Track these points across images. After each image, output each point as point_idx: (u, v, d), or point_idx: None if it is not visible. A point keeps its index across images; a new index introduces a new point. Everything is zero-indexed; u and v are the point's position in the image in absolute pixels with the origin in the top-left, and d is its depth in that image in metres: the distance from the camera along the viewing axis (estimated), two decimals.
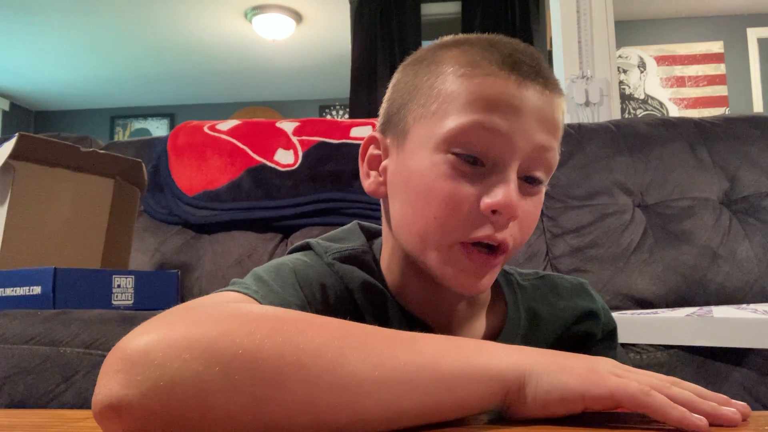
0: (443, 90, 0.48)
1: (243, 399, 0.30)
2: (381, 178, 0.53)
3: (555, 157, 0.49)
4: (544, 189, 0.50)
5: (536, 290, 0.58)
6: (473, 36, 0.52)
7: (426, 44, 0.55)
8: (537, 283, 0.59)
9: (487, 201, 0.45)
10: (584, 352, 0.40)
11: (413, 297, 0.53)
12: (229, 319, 0.34)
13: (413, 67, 0.53)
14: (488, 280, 0.48)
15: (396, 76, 0.55)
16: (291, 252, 0.55)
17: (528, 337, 0.55)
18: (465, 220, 0.46)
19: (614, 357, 0.57)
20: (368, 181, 0.53)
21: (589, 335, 0.58)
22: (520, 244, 0.49)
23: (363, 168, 0.54)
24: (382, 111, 0.55)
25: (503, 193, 0.45)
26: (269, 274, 0.48)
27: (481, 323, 0.55)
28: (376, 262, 0.54)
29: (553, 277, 0.60)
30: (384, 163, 0.53)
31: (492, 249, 0.47)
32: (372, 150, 0.54)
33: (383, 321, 0.50)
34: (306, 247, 0.55)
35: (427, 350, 0.36)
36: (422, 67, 0.51)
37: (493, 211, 0.45)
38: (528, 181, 0.48)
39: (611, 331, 0.60)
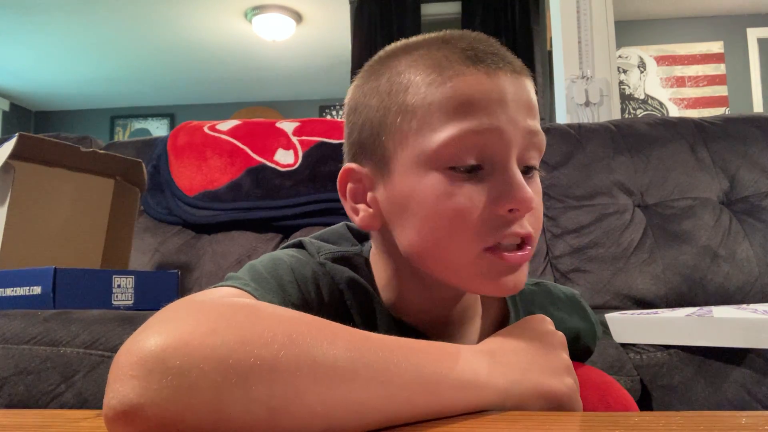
0: (417, 103, 0.45)
1: (259, 411, 0.30)
2: (372, 210, 0.49)
3: (543, 138, 0.47)
4: (538, 174, 0.49)
5: (534, 296, 0.58)
6: (419, 38, 0.49)
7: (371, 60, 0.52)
8: (534, 289, 0.58)
9: (504, 203, 0.43)
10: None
11: (410, 309, 0.51)
12: (247, 326, 0.33)
13: (371, 85, 0.49)
14: (524, 275, 0.47)
15: (353, 100, 0.51)
16: (284, 248, 0.54)
17: None
18: (482, 228, 0.44)
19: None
20: (359, 216, 0.50)
21: (585, 352, 0.60)
22: (538, 232, 0.47)
23: (347, 204, 0.51)
24: (349, 140, 0.51)
25: (517, 189, 0.43)
26: (267, 269, 0.47)
27: (475, 327, 0.54)
28: (368, 266, 0.53)
29: (548, 285, 0.60)
30: (371, 194, 0.49)
31: (519, 246, 0.45)
32: (351, 184, 0.50)
33: (371, 320, 0.50)
34: (298, 245, 0.54)
35: (434, 355, 0.38)
36: (382, 85, 0.48)
37: (510, 210, 0.44)
38: (525, 172, 0.46)
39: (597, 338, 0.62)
